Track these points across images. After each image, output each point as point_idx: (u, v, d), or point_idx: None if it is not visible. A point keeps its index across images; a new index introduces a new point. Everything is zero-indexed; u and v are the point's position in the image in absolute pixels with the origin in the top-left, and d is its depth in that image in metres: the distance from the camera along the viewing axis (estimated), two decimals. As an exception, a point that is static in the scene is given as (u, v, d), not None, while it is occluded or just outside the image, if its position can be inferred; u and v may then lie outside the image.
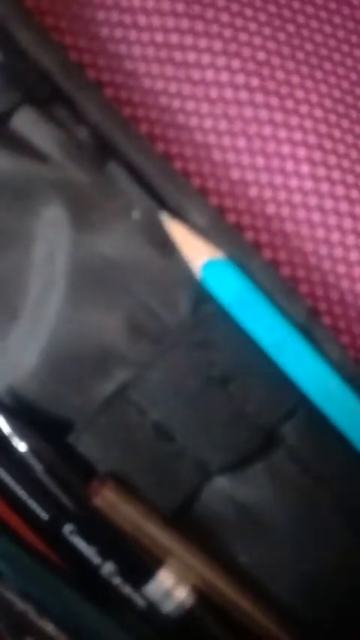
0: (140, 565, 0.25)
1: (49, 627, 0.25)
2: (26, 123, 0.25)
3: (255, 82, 0.25)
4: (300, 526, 0.25)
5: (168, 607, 0.25)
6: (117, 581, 0.25)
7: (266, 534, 0.25)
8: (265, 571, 0.25)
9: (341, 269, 0.24)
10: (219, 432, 0.25)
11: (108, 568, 0.25)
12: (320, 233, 0.25)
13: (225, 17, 0.26)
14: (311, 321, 0.24)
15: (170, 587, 0.25)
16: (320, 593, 0.25)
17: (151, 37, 0.26)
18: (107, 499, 0.25)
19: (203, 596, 0.25)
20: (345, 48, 0.26)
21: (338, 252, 0.24)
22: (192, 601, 0.25)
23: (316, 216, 0.24)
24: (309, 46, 0.25)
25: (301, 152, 0.25)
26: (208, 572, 0.25)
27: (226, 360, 0.25)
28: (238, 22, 0.26)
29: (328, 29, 0.26)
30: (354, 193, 0.24)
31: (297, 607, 0.25)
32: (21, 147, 0.25)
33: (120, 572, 0.25)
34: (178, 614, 0.25)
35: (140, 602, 0.25)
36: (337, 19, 0.27)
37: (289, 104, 0.25)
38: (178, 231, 0.25)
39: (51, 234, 0.25)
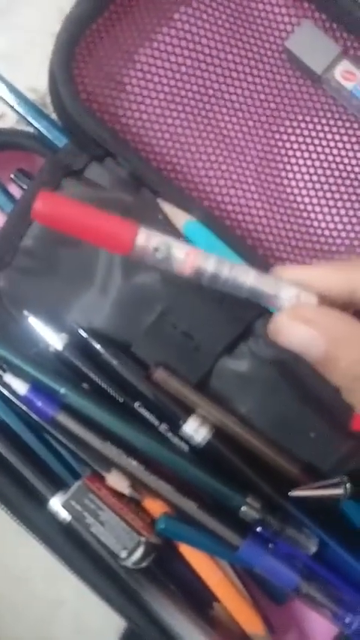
0: (178, 417, 0.38)
1: (132, 463, 0.37)
2: (93, 172, 0.39)
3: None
4: (273, 383, 0.37)
5: (197, 439, 0.37)
6: (169, 435, 0.38)
7: (254, 391, 0.37)
8: (256, 415, 0.38)
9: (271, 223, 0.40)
10: (219, 328, 0.37)
11: (162, 428, 0.38)
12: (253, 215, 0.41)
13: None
14: (251, 255, 0.37)
15: (197, 427, 0.37)
16: (289, 427, 0.37)
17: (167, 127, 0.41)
18: (160, 377, 0.38)
19: (219, 432, 0.37)
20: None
21: (263, 222, 0.40)
22: (211, 435, 0.37)
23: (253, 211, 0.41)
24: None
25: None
26: (221, 417, 0.37)
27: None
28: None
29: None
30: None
31: (276, 437, 0.38)
32: (92, 185, 0.39)
33: (170, 429, 0.38)
34: (204, 443, 0.37)
35: (183, 445, 0.38)
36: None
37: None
38: (171, 210, 0.38)
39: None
